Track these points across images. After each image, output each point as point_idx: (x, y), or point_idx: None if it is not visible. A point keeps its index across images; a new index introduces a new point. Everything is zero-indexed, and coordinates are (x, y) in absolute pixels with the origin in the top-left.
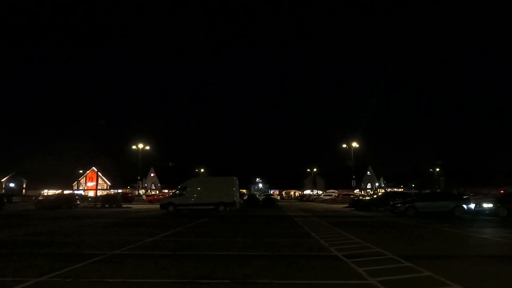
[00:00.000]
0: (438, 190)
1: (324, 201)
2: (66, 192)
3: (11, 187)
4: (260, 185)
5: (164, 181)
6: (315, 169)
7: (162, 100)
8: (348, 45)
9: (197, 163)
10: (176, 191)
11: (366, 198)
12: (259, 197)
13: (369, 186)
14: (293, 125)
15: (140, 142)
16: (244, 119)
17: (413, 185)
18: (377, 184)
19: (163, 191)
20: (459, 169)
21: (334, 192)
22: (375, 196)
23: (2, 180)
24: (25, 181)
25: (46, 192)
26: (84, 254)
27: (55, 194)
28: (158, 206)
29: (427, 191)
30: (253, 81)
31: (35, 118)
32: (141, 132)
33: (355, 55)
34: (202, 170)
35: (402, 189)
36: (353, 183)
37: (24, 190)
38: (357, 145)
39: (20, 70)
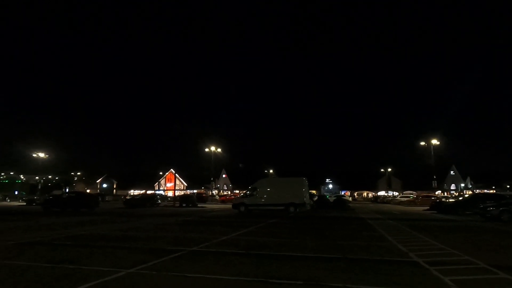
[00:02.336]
0: None
1: (400, 203)
2: (149, 192)
3: (104, 187)
4: (331, 186)
5: (235, 182)
6: (389, 169)
7: (232, 104)
8: (427, 40)
9: (266, 164)
10: (247, 191)
11: (450, 200)
12: (329, 198)
13: (453, 187)
14: (366, 123)
15: (213, 145)
16: (314, 118)
17: (508, 186)
18: (462, 184)
19: (234, 191)
20: None
21: (412, 194)
22: (460, 198)
23: (97, 181)
24: (115, 182)
25: (132, 192)
26: (166, 249)
27: (140, 194)
28: (230, 206)
29: None
30: (326, 79)
31: (123, 127)
32: (213, 135)
33: (436, 50)
34: (271, 171)
35: (494, 191)
36: (434, 183)
37: (114, 190)
38: (438, 142)
39: (107, 81)
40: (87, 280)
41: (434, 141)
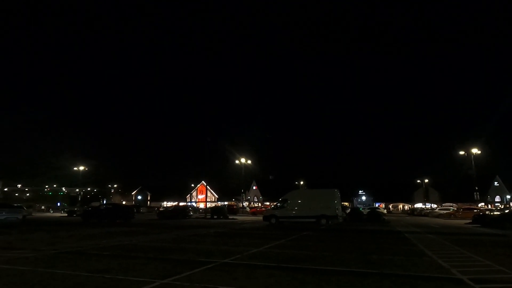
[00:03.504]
0: None
1: (439, 215)
2: (181, 204)
3: (139, 199)
4: (364, 198)
5: (265, 194)
6: (427, 180)
7: (262, 115)
8: (466, 43)
9: (297, 175)
10: (278, 203)
11: (495, 213)
12: (363, 210)
13: (497, 199)
14: (401, 131)
15: (243, 156)
16: (347, 129)
17: None
18: (508, 196)
19: (265, 203)
20: None
21: (451, 206)
22: (507, 211)
23: (132, 193)
24: (149, 194)
25: (165, 203)
26: (198, 261)
27: (172, 205)
28: (261, 217)
29: None
30: (360, 88)
31: (157, 140)
32: (244, 147)
33: (477, 52)
34: (302, 182)
35: None
36: (476, 195)
37: (148, 202)
38: (479, 152)
39: (141, 96)
40: None
41: (475, 150)
